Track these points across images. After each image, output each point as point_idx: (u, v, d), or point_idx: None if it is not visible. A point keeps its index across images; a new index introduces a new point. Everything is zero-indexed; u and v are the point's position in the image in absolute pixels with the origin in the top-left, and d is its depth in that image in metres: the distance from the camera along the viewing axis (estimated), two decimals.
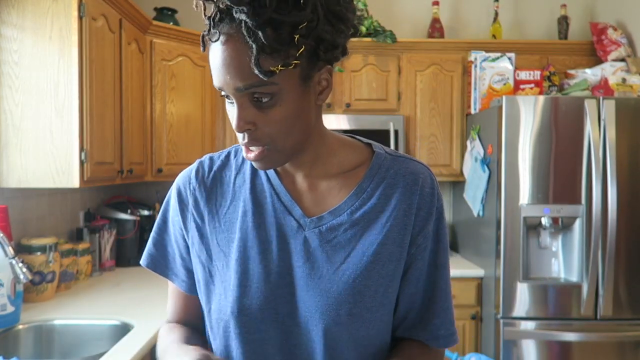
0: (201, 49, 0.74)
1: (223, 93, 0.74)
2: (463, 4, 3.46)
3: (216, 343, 0.86)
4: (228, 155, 0.90)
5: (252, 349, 0.81)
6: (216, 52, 0.71)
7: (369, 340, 0.83)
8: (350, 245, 0.81)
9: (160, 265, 0.92)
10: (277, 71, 0.69)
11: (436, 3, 3.26)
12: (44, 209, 2.36)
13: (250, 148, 0.76)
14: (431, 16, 3.29)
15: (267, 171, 0.85)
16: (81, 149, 1.99)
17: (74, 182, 1.98)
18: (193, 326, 0.92)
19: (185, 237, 0.88)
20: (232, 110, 0.75)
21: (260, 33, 0.67)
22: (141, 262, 0.93)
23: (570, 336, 2.48)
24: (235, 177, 0.87)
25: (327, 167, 0.85)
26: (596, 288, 2.46)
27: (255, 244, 0.82)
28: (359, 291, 0.79)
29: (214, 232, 0.85)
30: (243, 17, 0.66)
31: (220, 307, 0.82)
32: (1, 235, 1.65)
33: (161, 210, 0.93)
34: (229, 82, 0.71)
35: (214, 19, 0.70)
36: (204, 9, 0.71)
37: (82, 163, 2.00)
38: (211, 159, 0.90)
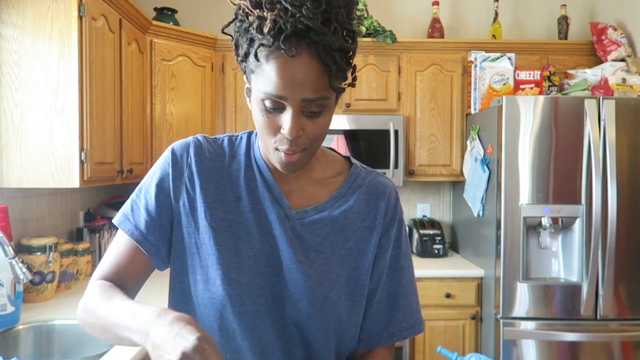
0: (253, 58, 0.78)
1: (267, 103, 0.79)
2: (463, 4, 3.46)
3: (206, 311, 0.89)
4: (222, 142, 0.96)
5: (244, 323, 0.87)
6: (289, 66, 0.76)
7: (339, 326, 0.91)
8: (328, 238, 0.92)
9: (130, 226, 0.91)
10: (345, 88, 0.83)
11: (436, 3, 3.26)
12: (44, 209, 2.36)
13: (293, 151, 0.83)
14: (431, 16, 3.29)
15: (260, 165, 0.93)
16: (81, 149, 2.00)
17: (74, 182, 1.98)
18: (127, 288, 0.90)
19: (172, 204, 0.91)
20: (274, 119, 0.81)
21: (337, 56, 0.77)
22: (114, 221, 0.93)
23: (570, 336, 2.48)
24: (231, 163, 0.94)
25: (313, 172, 0.95)
26: (596, 288, 2.46)
27: (245, 226, 0.90)
28: (333, 278, 0.90)
29: (203, 207, 0.90)
30: (323, 41, 0.75)
31: (209, 279, 0.88)
32: (1, 235, 1.65)
33: (150, 174, 0.94)
34: (298, 93, 0.77)
35: (285, 36, 0.74)
36: (273, 25, 0.74)
37: (82, 163, 2.00)
38: (207, 140, 0.95)
